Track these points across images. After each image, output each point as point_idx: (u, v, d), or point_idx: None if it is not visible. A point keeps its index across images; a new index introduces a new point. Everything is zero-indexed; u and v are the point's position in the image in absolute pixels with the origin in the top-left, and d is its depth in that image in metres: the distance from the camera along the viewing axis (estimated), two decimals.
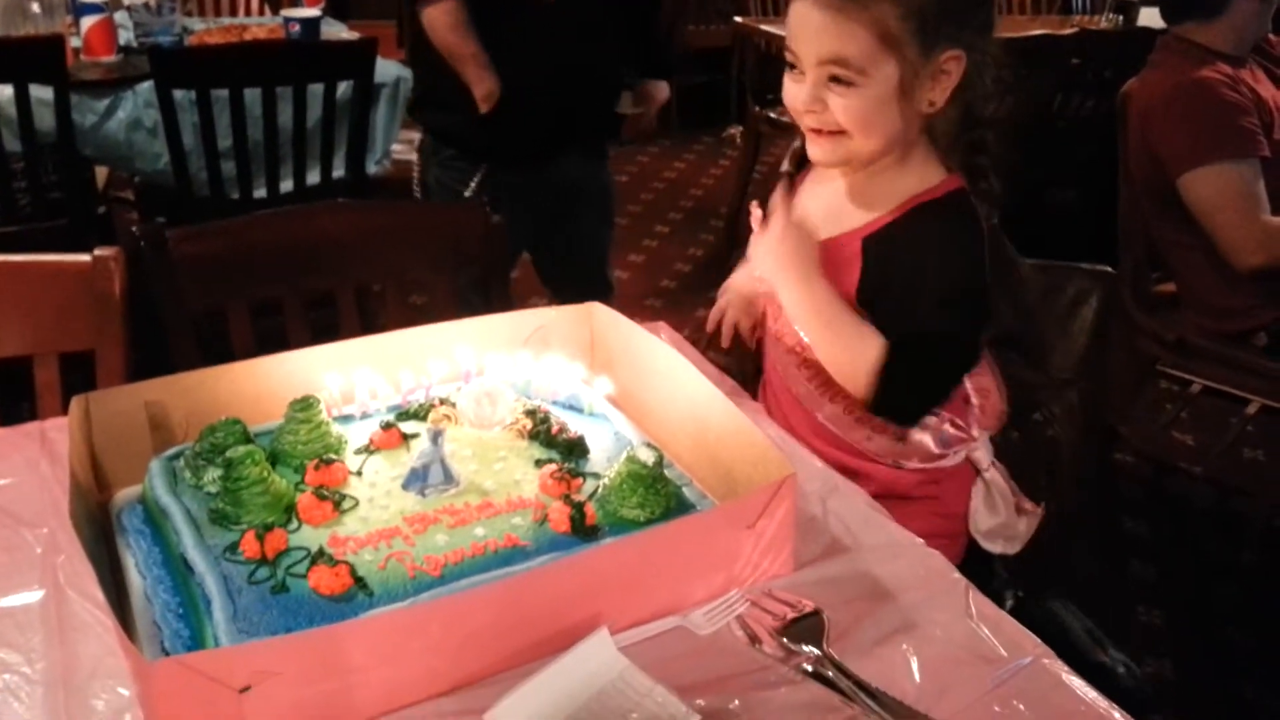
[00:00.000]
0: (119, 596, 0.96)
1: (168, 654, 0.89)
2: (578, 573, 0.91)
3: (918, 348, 1.18)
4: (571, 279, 2.44)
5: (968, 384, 1.32)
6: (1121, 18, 3.99)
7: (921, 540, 1.13)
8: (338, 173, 2.66)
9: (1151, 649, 2.20)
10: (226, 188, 2.53)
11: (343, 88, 2.53)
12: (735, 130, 5.00)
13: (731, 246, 3.94)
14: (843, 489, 1.20)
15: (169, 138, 2.40)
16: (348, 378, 1.13)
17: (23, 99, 2.25)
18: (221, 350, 1.40)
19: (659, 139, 5.11)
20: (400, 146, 3.05)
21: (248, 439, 1.04)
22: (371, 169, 2.79)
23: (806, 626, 0.99)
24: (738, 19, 4.01)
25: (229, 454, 0.98)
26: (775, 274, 1.21)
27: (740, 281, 1.44)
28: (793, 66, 1.19)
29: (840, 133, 1.18)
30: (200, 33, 2.89)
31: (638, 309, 3.42)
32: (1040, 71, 2.93)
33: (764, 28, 3.90)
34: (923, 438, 1.31)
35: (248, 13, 3.64)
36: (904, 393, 1.20)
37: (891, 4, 1.12)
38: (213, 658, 0.81)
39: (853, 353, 1.20)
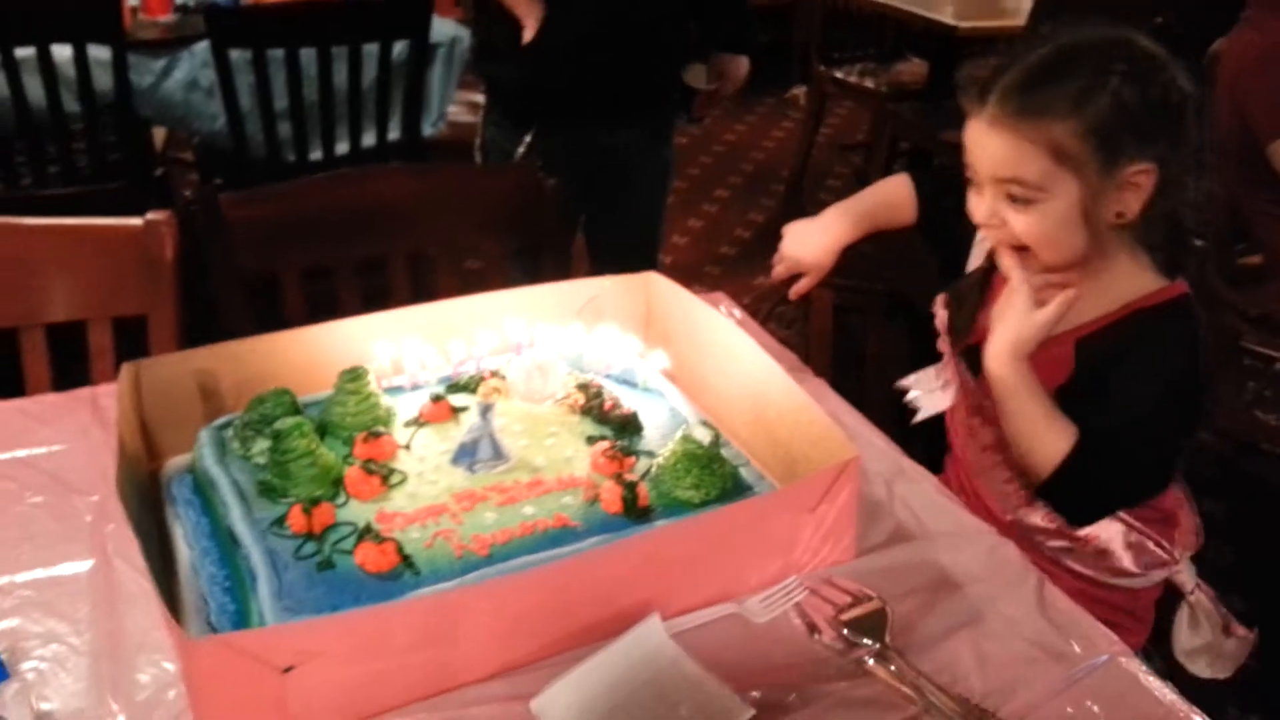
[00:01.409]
0: (166, 567, 0.95)
1: (214, 628, 0.88)
2: (629, 557, 0.88)
3: (1118, 442, 1.10)
4: (617, 257, 2.36)
5: (1170, 500, 1.24)
6: None
7: (993, 530, 1.08)
8: (393, 135, 2.62)
9: None
10: (283, 149, 2.51)
11: (399, 48, 2.49)
12: (799, 91, 4.88)
13: (792, 213, 3.86)
14: (909, 472, 1.15)
15: (225, 98, 2.38)
16: (397, 347, 1.10)
17: (80, 59, 2.25)
18: (274, 316, 1.38)
19: (718, 102, 5.01)
20: (458, 108, 3.02)
21: (296, 410, 1.02)
22: (427, 131, 2.75)
23: (868, 617, 0.95)
24: None
25: (277, 425, 0.96)
26: (1001, 345, 1.13)
27: (813, 253, 1.37)
28: (969, 180, 1.15)
29: (1023, 248, 1.13)
30: None
31: (695, 277, 3.36)
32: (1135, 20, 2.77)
33: None
34: (1122, 555, 1.22)
35: None
36: (1089, 486, 1.12)
37: (1066, 123, 1.06)
38: (255, 637, 0.79)
39: (1049, 432, 1.11)
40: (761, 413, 1.12)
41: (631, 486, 0.96)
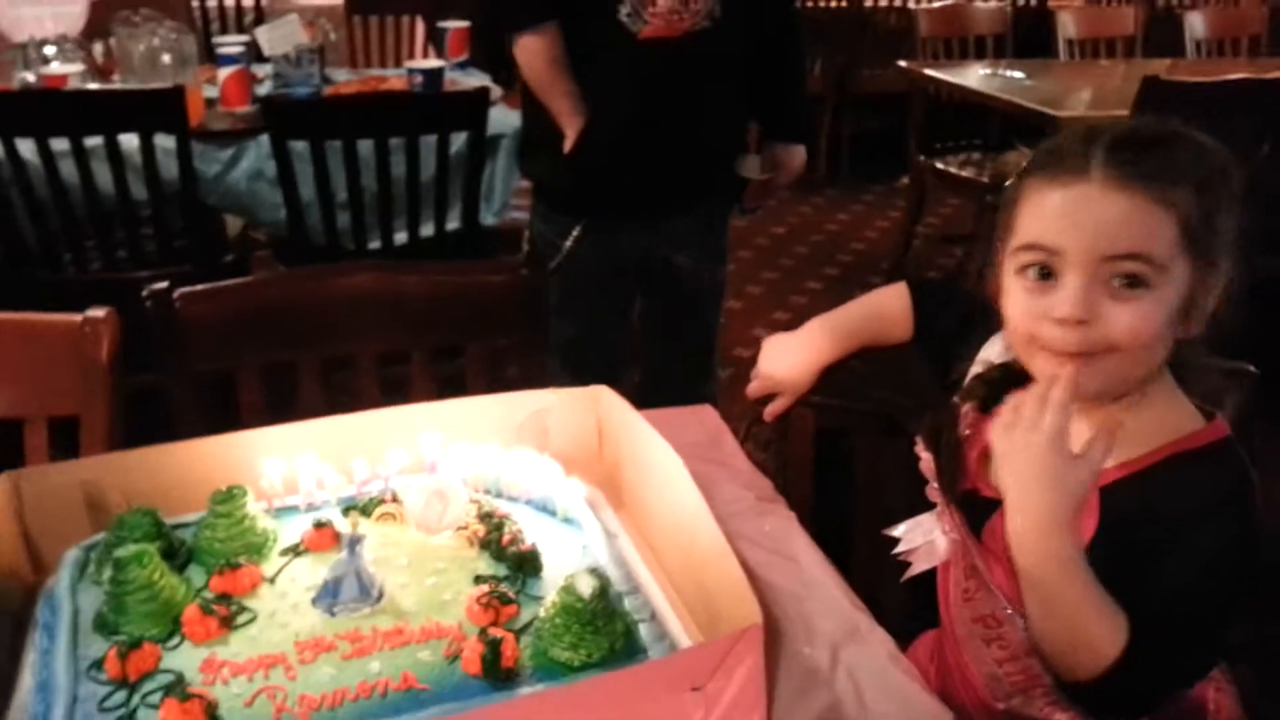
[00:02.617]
0: (6, 697, 0.87)
1: None
2: None
3: (1170, 629, 0.89)
4: (668, 360, 2.25)
5: (1209, 688, 1.01)
6: None
7: (950, 715, 0.89)
8: (452, 225, 2.61)
9: None
10: (342, 239, 2.53)
11: (458, 140, 2.48)
12: (907, 181, 4.72)
13: None
14: (865, 635, 0.97)
15: (284, 187, 2.41)
16: (290, 464, 1.01)
17: (147, 148, 2.32)
18: (232, 422, 1.32)
19: (825, 189, 4.88)
20: (520, 199, 3.00)
21: (158, 534, 0.93)
22: (489, 220, 2.73)
23: None
24: (902, 63, 3.76)
25: (117, 552, 0.88)
26: (1034, 517, 0.89)
27: (790, 371, 1.22)
28: (1041, 269, 0.92)
29: (1110, 351, 0.91)
30: (339, 84, 2.94)
31: None
32: (1239, 118, 2.54)
33: (931, 73, 3.64)
34: None
35: (397, 63, 3.71)
36: (1148, 682, 0.91)
37: (1190, 190, 0.89)
38: None
39: (1099, 626, 0.88)
40: (690, 555, 0.97)
41: (495, 644, 0.83)
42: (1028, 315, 0.94)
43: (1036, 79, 3.47)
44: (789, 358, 1.21)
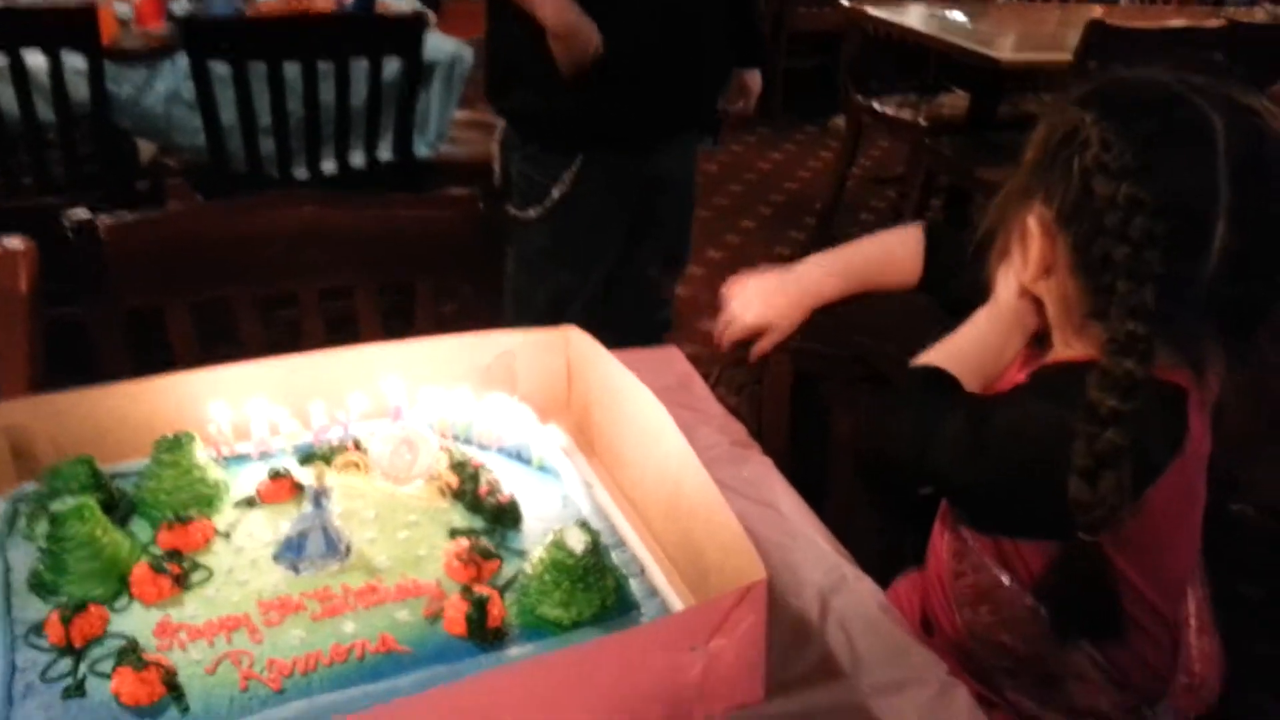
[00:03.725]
0: None
1: None
2: (453, 709, 0.69)
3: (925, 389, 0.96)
4: (630, 297, 2.18)
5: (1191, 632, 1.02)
6: None
7: (944, 666, 0.87)
8: (384, 156, 2.48)
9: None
10: (266, 166, 2.38)
11: (393, 65, 2.35)
12: (839, 121, 4.68)
13: (821, 247, 3.65)
14: (853, 584, 0.95)
15: (204, 111, 2.26)
16: (240, 408, 0.93)
17: (55, 67, 2.14)
18: (162, 362, 1.22)
19: (757, 126, 4.82)
20: (467, 131, 2.88)
21: (96, 485, 0.85)
22: (423, 152, 2.61)
23: None
24: (845, 1, 3.70)
25: (54, 506, 0.79)
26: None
27: (782, 309, 1.17)
28: None
29: None
30: (259, 4, 2.76)
31: (707, 311, 3.16)
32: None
33: (872, 12, 3.58)
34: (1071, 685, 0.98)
35: None
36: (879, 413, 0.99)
37: None
38: None
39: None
40: (676, 506, 0.93)
41: (481, 603, 0.77)
42: None
43: (977, 22, 3.45)
44: (779, 298, 1.15)
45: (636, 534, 0.95)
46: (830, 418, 1.20)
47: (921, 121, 3.51)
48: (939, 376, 0.98)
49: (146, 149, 2.68)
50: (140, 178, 2.61)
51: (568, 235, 1.95)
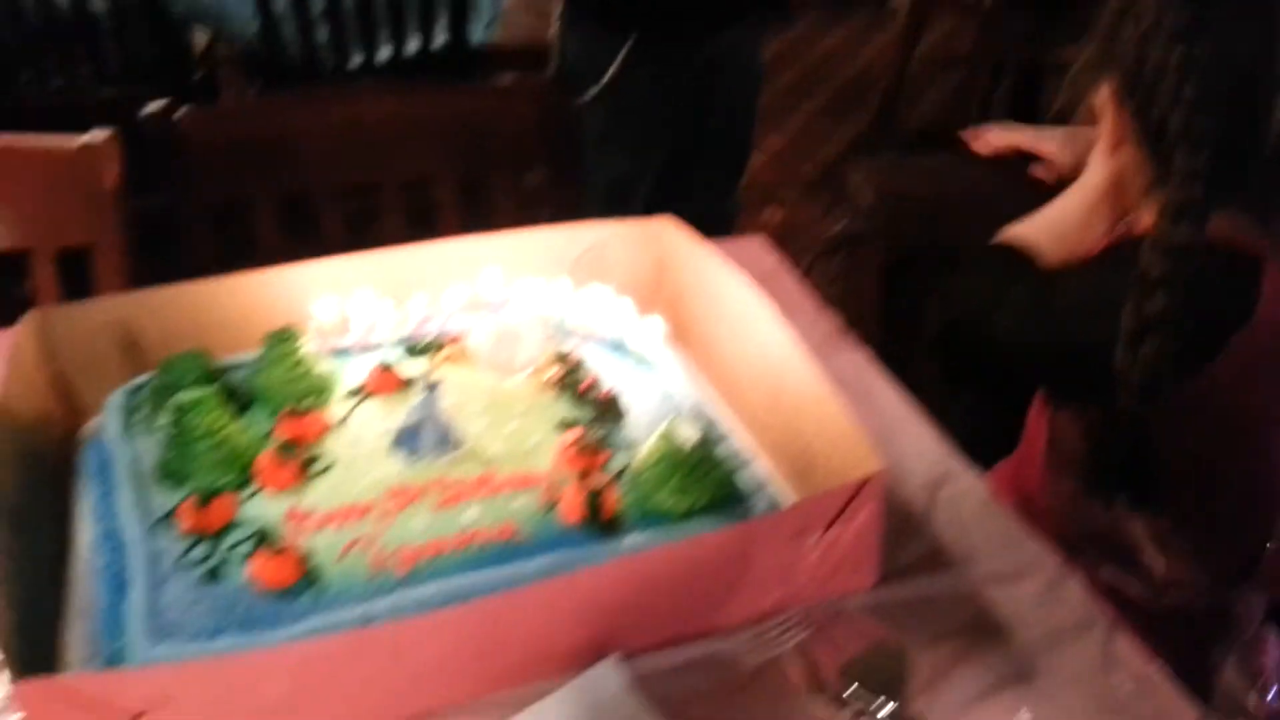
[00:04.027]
0: (61, 552, 0.82)
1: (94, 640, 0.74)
2: (578, 593, 0.70)
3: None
4: (695, 185, 2.13)
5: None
6: None
7: (1057, 557, 0.87)
8: (440, 40, 2.43)
9: None
10: (320, 56, 2.34)
11: None
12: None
13: (884, 134, 3.55)
14: (959, 477, 0.95)
15: None
16: (344, 302, 0.93)
17: None
18: (248, 252, 1.23)
19: (814, 6, 4.65)
20: (519, 12, 2.80)
21: (209, 377, 0.86)
22: (479, 36, 2.54)
23: (884, 667, 0.76)
24: None
25: (177, 398, 0.80)
26: None
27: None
28: None
29: None
30: None
31: (771, 199, 3.11)
32: None
33: None
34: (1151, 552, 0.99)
35: None
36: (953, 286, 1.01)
37: None
38: (96, 682, 0.64)
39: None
40: (779, 398, 0.92)
41: (596, 493, 0.78)
42: None
43: None
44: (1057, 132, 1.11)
45: (737, 427, 0.95)
46: (920, 306, 1.18)
47: None
48: (1012, 250, 0.99)
49: (199, 39, 2.65)
50: (195, 69, 2.58)
51: (624, 119, 1.90)
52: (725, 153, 2.15)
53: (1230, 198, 0.86)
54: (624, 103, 1.88)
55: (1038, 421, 1.03)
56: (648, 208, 1.70)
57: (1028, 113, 3.41)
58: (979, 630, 0.80)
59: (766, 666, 0.76)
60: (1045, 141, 1.09)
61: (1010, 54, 3.34)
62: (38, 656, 0.69)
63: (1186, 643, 0.96)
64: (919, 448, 0.97)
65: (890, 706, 0.73)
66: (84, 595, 0.78)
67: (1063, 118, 1.03)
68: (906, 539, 0.87)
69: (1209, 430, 0.93)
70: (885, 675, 0.76)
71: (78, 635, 0.76)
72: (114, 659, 0.71)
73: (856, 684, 0.74)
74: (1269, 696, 0.94)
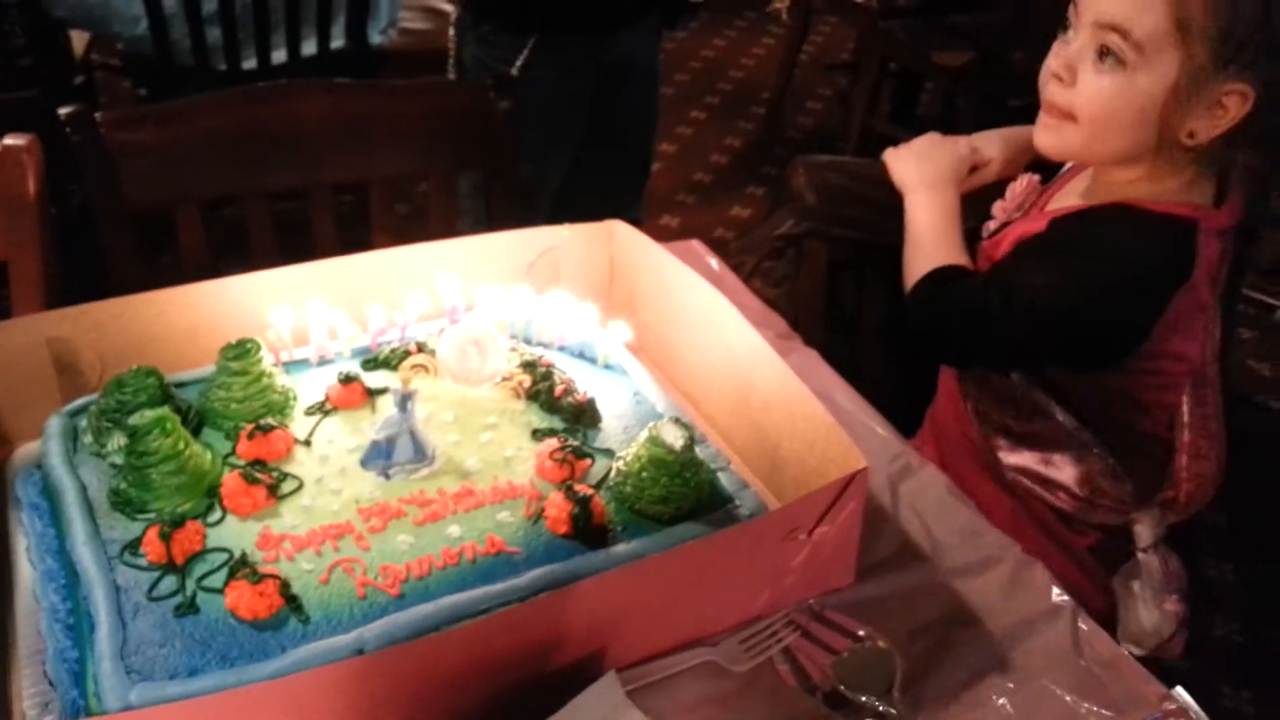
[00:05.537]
0: (2, 589, 0.76)
1: (49, 681, 0.69)
2: (580, 606, 0.69)
3: (988, 289, 1.01)
4: (607, 189, 2.12)
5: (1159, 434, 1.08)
6: None
7: (1017, 546, 0.90)
8: (336, 43, 2.36)
9: (1220, 607, 1.99)
10: (212, 58, 2.25)
11: None
12: (782, 4, 4.59)
13: (772, 137, 3.61)
14: (916, 469, 0.97)
15: None
16: (300, 313, 0.89)
17: None
18: (171, 264, 1.17)
19: (699, 12, 4.71)
20: (414, 14, 2.74)
21: (163, 396, 0.81)
22: (376, 39, 2.49)
23: (870, 664, 0.78)
24: None
25: (133, 419, 0.76)
26: (909, 179, 1.09)
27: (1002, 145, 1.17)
28: (1066, 28, 0.98)
29: (1067, 119, 0.98)
30: None
31: (667, 206, 3.13)
32: None
33: None
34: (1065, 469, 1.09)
35: None
36: (930, 306, 1.05)
37: None
38: None
39: (927, 260, 1.06)
40: (745, 398, 0.93)
41: (584, 502, 0.77)
42: (1046, 67, 1.00)
43: None
44: (995, 135, 1.15)
45: (708, 429, 0.95)
46: (862, 304, 1.21)
47: (872, 3, 3.46)
48: (943, 274, 1.05)
49: (78, 41, 2.51)
50: (77, 73, 2.44)
51: (526, 122, 1.89)
52: (629, 154, 2.15)
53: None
54: (525, 106, 1.87)
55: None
56: (552, 214, 1.68)
57: (909, 116, 3.53)
58: (954, 623, 0.83)
59: (758, 669, 0.77)
60: (987, 147, 1.13)
61: (893, 59, 3.45)
62: None
63: (1094, 559, 1.10)
64: (876, 444, 0.99)
65: (879, 705, 0.75)
66: (30, 638, 0.73)
67: None
68: (876, 535, 0.89)
69: (1135, 369, 1.01)
70: (872, 672, 0.77)
71: (28, 680, 0.71)
72: (75, 707, 0.66)
73: (845, 684, 0.76)
74: (1164, 605, 1.05)
